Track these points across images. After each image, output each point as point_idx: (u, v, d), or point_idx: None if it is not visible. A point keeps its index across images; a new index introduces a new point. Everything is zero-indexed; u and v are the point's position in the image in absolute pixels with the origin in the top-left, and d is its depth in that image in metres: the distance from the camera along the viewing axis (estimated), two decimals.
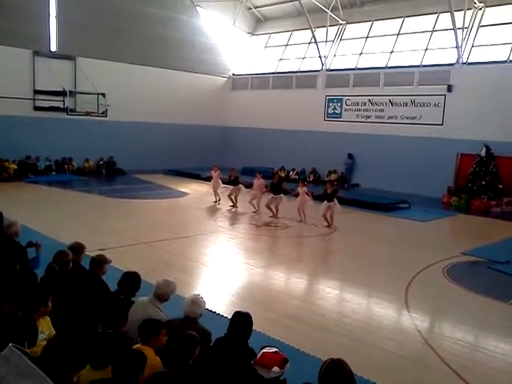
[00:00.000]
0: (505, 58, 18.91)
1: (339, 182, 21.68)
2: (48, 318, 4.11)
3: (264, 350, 3.46)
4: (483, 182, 17.99)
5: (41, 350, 3.79)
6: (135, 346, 3.65)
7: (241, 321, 4.11)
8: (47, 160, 21.50)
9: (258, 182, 15.43)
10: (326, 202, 13.53)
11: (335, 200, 13.51)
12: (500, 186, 17.89)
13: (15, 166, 19.90)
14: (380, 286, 8.71)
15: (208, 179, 17.23)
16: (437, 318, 7.61)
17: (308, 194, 14.10)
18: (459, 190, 18.81)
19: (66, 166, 22.07)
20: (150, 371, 3.35)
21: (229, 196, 15.85)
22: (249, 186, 16.23)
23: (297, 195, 14.30)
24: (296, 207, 14.16)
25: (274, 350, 3.50)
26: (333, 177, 13.56)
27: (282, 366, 3.38)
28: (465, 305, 8.01)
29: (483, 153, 18.12)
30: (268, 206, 14.61)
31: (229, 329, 4.09)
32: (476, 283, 9.01)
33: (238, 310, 4.31)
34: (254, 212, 15.07)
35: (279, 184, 14.92)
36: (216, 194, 16.43)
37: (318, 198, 14.53)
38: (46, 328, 4.01)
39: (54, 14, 21.15)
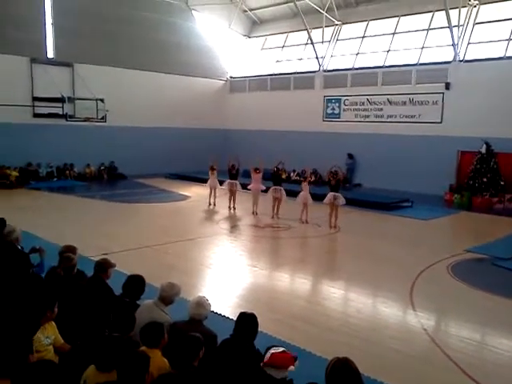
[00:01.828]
0: (501, 55, 18.93)
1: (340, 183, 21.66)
2: (53, 322, 4.11)
3: (272, 351, 3.43)
4: (484, 179, 17.98)
5: (46, 354, 3.82)
6: (141, 349, 3.64)
7: (246, 322, 4.10)
8: (48, 166, 21.51)
9: (256, 175, 15.43)
10: (330, 192, 13.60)
11: (339, 193, 13.58)
12: (502, 183, 17.88)
13: (17, 173, 19.91)
14: (385, 285, 8.69)
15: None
16: (442, 316, 7.58)
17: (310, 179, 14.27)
18: (461, 187, 18.79)
19: (67, 171, 22.07)
20: (157, 373, 3.35)
21: (230, 194, 15.85)
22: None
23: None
24: (299, 204, 14.16)
25: (281, 349, 3.48)
26: (331, 178, 13.78)
27: (294, 364, 3.38)
28: (470, 302, 7.98)
29: (483, 150, 18.10)
30: (274, 199, 14.62)
31: (234, 330, 4.08)
32: (480, 280, 8.97)
33: (243, 311, 4.29)
34: (253, 213, 15.05)
35: (279, 176, 14.94)
36: (214, 195, 16.34)
37: (320, 198, 14.52)
38: (51, 333, 4.03)
39: (51, 21, 21.18)
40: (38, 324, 3.83)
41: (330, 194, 13.55)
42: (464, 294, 8.33)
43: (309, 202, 14.09)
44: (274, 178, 15.00)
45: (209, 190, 16.48)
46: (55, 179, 21.42)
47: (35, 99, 20.75)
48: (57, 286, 4.77)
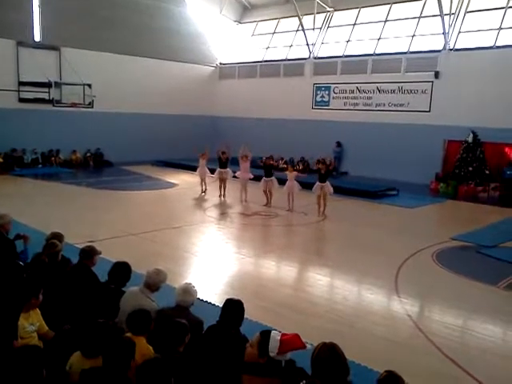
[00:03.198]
0: (491, 44, 18.97)
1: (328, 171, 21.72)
2: (38, 309, 4.09)
3: (278, 338, 3.23)
4: (470, 168, 18.13)
5: (31, 341, 3.81)
6: (126, 335, 3.64)
7: (232, 308, 4.12)
8: (34, 153, 21.22)
9: (244, 164, 15.37)
10: (318, 182, 13.54)
11: (328, 182, 13.56)
12: (487, 172, 18.05)
13: (1, 159, 19.62)
14: (370, 272, 8.75)
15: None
16: (426, 303, 7.69)
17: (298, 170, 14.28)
18: (447, 176, 18.94)
19: (52, 158, 21.80)
20: (141, 360, 3.35)
21: (220, 182, 15.81)
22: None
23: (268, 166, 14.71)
24: (285, 193, 14.17)
25: (276, 332, 3.40)
26: (322, 167, 13.73)
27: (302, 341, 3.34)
28: (454, 289, 8.09)
29: (470, 139, 18.23)
30: (264, 191, 14.61)
31: (221, 316, 4.10)
32: (465, 267, 9.09)
33: (229, 297, 4.31)
34: (242, 201, 15.07)
35: (270, 166, 14.89)
36: (204, 183, 16.33)
37: (308, 187, 14.54)
38: (35, 320, 4.02)
39: (38, 3, 20.76)
40: (20, 309, 3.81)
41: (318, 184, 13.55)
42: (448, 280, 8.44)
43: (295, 190, 14.10)
44: (264, 168, 14.92)
45: (199, 179, 16.43)
46: (40, 166, 21.16)
47: (21, 84, 20.40)
48: (41, 272, 4.74)
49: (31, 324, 3.91)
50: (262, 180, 14.66)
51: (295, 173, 14.31)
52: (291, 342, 3.24)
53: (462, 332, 6.46)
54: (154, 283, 4.61)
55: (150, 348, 3.67)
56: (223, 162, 15.84)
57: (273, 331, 3.34)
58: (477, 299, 7.61)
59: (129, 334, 3.66)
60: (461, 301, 7.51)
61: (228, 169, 15.83)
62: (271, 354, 3.18)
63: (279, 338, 3.23)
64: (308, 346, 3.23)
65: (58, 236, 5.56)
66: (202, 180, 16.27)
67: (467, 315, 7.11)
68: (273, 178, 14.61)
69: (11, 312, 3.71)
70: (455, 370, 5.31)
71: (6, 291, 4.00)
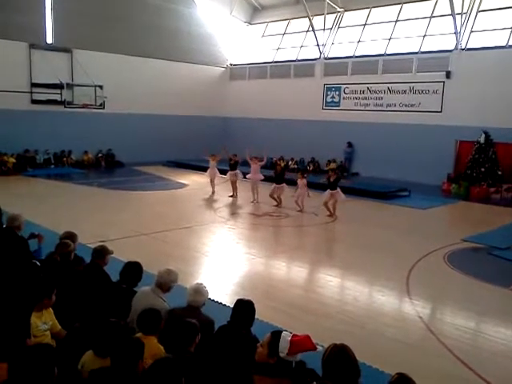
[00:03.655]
0: (504, 43, 18.80)
1: (339, 171, 21.66)
2: (51, 309, 4.13)
3: (289, 339, 3.20)
4: (482, 169, 17.96)
5: (44, 339, 3.85)
6: (137, 335, 3.66)
7: (243, 308, 4.13)
8: (46, 153, 21.43)
9: (255, 165, 15.39)
10: (328, 190, 13.44)
11: (338, 188, 13.45)
12: (499, 173, 17.87)
13: (14, 160, 19.85)
14: (381, 273, 8.71)
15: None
16: (438, 304, 7.63)
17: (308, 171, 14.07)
18: (459, 177, 18.78)
19: (64, 158, 22.00)
20: (152, 359, 3.36)
21: (231, 184, 15.89)
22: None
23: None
24: (294, 199, 14.10)
25: (287, 333, 3.40)
26: (332, 166, 13.57)
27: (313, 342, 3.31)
28: (466, 291, 8.04)
29: (482, 139, 18.06)
30: (271, 196, 14.59)
31: (231, 316, 4.11)
32: (476, 269, 9.01)
33: (240, 298, 4.31)
34: (252, 201, 15.10)
35: (282, 174, 14.88)
36: (213, 184, 16.41)
37: (319, 188, 14.49)
38: (48, 319, 4.06)
39: (50, 6, 20.97)
40: (32, 308, 3.86)
41: (328, 192, 13.42)
42: (460, 282, 8.39)
43: (304, 197, 13.99)
44: (275, 175, 14.83)
45: (209, 179, 16.53)
46: (52, 166, 21.35)
47: (33, 85, 20.63)
48: (54, 272, 4.78)
49: (44, 323, 3.95)
50: (273, 186, 14.62)
51: (305, 181, 14.14)
52: (302, 343, 3.23)
53: (474, 334, 6.41)
54: (165, 283, 4.63)
55: (161, 348, 3.68)
56: (232, 164, 15.97)
57: (284, 332, 3.32)
58: (488, 301, 7.55)
59: (139, 334, 3.68)
60: (472, 303, 7.45)
61: (237, 170, 15.93)
62: (281, 355, 3.16)
63: (290, 338, 3.21)
64: (319, 348, 3.23)
65: (71, 236, 5.60)
66: (212, 181, 16.37)
67: (479, 317, 7.04)
68: (283, 184, 14.57)
69: (24, 311, 3.75)
70: (466, 372, 5.26)
71: (21, 290, 4.05)
